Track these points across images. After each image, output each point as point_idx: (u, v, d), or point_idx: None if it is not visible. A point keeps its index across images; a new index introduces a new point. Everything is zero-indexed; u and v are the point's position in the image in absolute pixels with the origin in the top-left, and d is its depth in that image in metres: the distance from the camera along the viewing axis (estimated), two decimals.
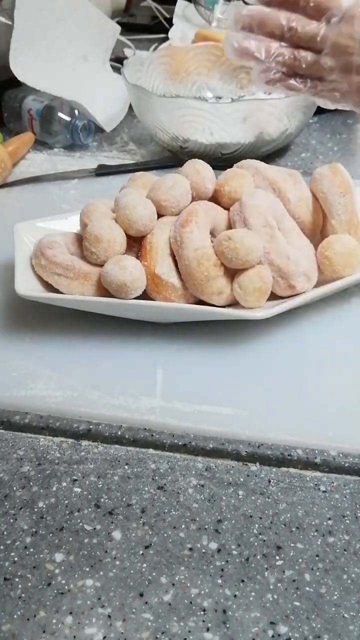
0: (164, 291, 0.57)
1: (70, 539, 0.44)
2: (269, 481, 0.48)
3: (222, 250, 0.56)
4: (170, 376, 0.55)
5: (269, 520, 0.45)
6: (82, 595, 0.41)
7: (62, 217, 0.66)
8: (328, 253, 0.59)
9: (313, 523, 0.45)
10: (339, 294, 0.62)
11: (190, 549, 0.43)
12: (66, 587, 0.41)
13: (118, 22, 1.10)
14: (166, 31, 1.22)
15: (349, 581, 0.42)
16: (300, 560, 0.43)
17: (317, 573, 0.42)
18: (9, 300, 0.62)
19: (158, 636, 0.39)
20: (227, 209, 0.60)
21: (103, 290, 0.57)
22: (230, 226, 0.59)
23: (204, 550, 0.43)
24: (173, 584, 0.41)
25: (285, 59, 0.57)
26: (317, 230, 0.63)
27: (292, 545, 0.43)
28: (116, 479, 0.48)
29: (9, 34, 0.89)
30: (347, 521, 0.45)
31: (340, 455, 0.48)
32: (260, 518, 0.45)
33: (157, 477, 0.48)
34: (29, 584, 0.41)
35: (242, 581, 0.41)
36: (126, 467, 0.49)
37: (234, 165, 0.65)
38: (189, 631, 0.39)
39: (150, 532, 0.44)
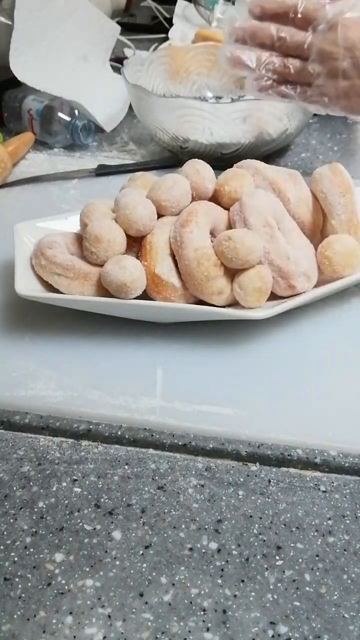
0: (164, 291, 0.57)
1: (70, 539, 0.44)
2: (269, 481, 0.48)
3: (222, 250, 0.56)
4: (170, 376, 0.55)
5: (269, 520, 0.45)
6: (82, 595, 0.41)
7: (62, 217, 0.66)
8: (328, 253, 0.59)
9: (313, 523, 0.45)
10: (339, 294, 0.62)
11: (190, 549, 0.43)
12: (66, 587, 0.41)
13: (118, 22, 1.10)
14: (166, 31, 1.22)
15: (349, 581, 0.42)
16: (300, 560, 0.43)
17: (317, 573, 0.42)
18: (9, 300, 0.62)
19: (158, 636, 0.39)
20: (227, 209, 0.60)
21: (103, 290, 0.57)
22: (230, 226, 0.59)
23: (204, 550, 0.43)
24: (173, 584, 0.41)
25: (275, 66, 0.61)
26: (317, 230, 0.63)
27: (292, 545, 0.43)
28: (116, 479, 0.48)
29: (9, 34, 0.89)
30: (347, 521, 0.45)
31: (340, 455, 0.48)
32: (260, 518, 0.45)
33: (157, 477, 0.48)
34: (29, 584, 0.41)
35: (242, 581, 0.41)
36: (126, 467, 0.49)
37: (234, 165, 0.65)
38: (189, 631, 0.39)
39: (150, 532, 0.44)
